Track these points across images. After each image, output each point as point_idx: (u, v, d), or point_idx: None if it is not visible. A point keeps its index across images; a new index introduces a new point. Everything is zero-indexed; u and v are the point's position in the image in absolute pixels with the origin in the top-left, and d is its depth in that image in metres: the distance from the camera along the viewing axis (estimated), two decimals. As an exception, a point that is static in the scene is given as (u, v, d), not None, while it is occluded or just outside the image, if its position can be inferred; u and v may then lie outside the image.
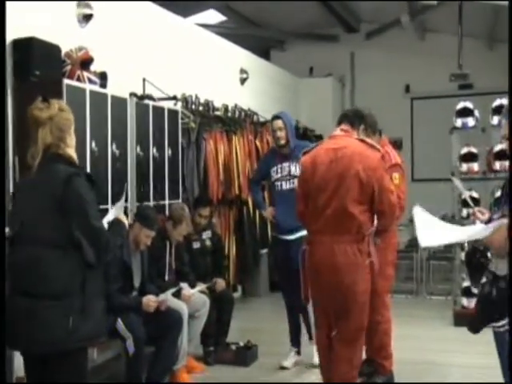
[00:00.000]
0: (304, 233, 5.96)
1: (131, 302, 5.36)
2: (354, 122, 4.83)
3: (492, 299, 3.34)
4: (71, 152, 3.51)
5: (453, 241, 3.89)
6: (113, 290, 5.20)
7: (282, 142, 6.25)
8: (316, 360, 6.03)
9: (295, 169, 6.17)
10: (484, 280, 3.50)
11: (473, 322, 3.54)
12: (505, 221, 3.22)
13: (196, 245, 6.74)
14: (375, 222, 4.65)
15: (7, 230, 3.52)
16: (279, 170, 6.30)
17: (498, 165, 7.70)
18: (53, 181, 3.36)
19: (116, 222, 3.74)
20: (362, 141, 4.66)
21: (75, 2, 6.25)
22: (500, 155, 7.58)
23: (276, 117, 6.39)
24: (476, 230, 3.43)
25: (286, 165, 6.27)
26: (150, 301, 5.34)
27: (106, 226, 3.61)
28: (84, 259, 3.37)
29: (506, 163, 7.24)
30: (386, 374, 5.69)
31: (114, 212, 3.84)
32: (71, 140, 3.53)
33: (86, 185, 3.42)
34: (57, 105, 3.50)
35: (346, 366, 4.55)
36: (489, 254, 3.45)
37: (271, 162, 6.41)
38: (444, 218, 10.02)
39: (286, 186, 6.26)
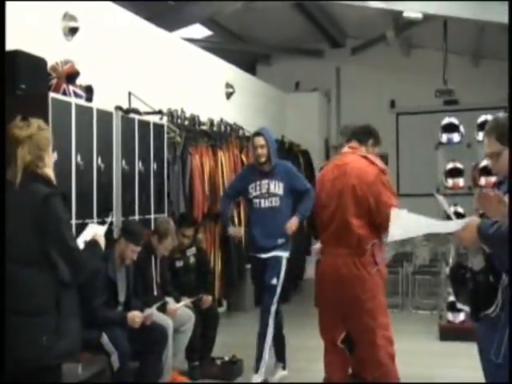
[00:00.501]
0: (280, 253, 6.06)
1: (116, 317, 5.32)
2: (362, 138, 5.04)
3: (477, 293, 3.40)
4: (49, 171, 3.54)
5: (420, 233, 4.01)
6: (97, 305, 5.17)
7: (263, 159, 6.16)
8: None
9: (274, 187, 6.12)
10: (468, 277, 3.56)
11: (471, 313, 3.64)
12: (476, 219, 3.26)
13: (179, 263, 6.68)
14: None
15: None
16: (258, 188, 6.18)
17: (483, 180, 7.73)
18: (31, 201, 3.39)
19: (91, 244, 3.72)
20: (365, 157, 4.81)
21: (61, 15, 6.24)
22: (485, 171, 7.61)
23: (257, 133, 6.30)
24: (447, 224, 3.49)
25: (265, 182, 6.16)
26: (135, 316, 5.30)
27: (81, 244, 3.64)
28: (59, 278, 3.40)
29: (492, 179, 7.27)
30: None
31: (91, 232, 3.83)
32: (49, 159, 3.56)
33: (63, 205, 3.46)
34: (36, 124, 3.52)
35: (368, 366, 4.86)
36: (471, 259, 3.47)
37: (249, 178, 6.29)
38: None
39: (264, 203, 6.15)
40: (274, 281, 6.04)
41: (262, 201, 6.14)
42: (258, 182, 6.18)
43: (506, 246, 2.95)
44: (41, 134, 3.51)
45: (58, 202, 3.42)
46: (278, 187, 6.13)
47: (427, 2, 9.04)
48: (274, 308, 6.05)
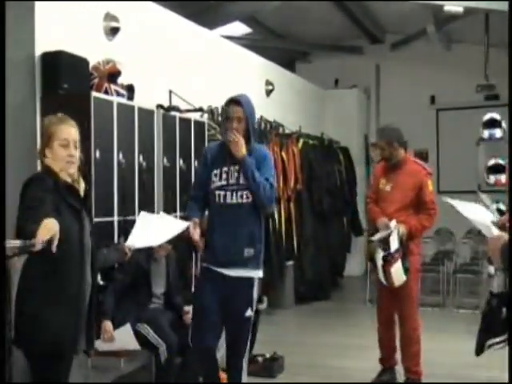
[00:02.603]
0: (250, 273, 4.45)
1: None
2: None
3: (490, 318, 3.31)
4: (49, 162, 3.54)
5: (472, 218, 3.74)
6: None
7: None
8: None
9: None
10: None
11: (477, 342, 3.50)
12: (505, 235, 2.92)
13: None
14: None
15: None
16: (224, 175, 4.36)
17: (492, 178, 7.62)
18: None
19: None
20: None
21: (102, 16, 6.32)
22: (493, 169, 7.52)
23: (234, 101, 4.48)
24: (486, 224, 3.27)
25: (234, 169, 4.35)
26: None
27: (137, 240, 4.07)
28: None
29: (501, 177, 7.19)
30: (419, 380, 5.75)
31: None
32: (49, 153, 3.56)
33: (39, 188, 3.42)
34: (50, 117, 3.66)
35: None
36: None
37: (215, 162, 4.44)
38: (470, 232, 10.03)
39: (231, 198, 4.34)
40: (249, 312, 4.41)
41: (229, 194, 4.34)
42: (224, 168, 4.37)
43: None
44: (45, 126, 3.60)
45: (33, 185, 3.43)
46: None
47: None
48: (246, 359, 4.63)
